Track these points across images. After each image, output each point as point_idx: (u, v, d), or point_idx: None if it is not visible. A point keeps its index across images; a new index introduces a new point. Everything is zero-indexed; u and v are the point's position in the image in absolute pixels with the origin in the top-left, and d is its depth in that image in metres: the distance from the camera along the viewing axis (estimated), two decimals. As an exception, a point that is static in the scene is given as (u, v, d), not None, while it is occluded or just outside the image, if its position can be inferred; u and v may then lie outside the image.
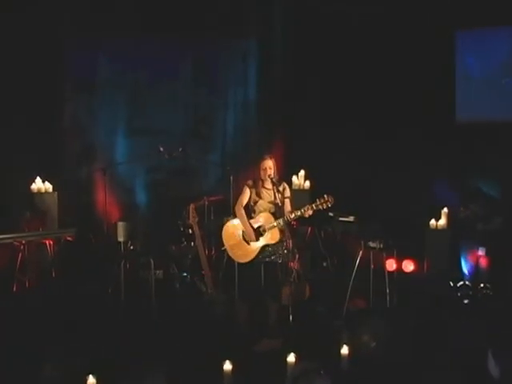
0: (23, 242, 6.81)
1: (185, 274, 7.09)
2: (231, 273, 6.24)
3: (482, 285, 6.90)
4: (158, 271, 7.04)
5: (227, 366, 4.27)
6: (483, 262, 7.03)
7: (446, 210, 7.34)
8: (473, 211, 7.32)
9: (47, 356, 4.88)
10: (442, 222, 7.33)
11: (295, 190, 7.81)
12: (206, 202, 7.19)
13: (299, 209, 5.50)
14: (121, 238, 7.04)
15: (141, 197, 8.70)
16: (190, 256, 7.06)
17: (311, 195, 7.56)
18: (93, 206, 8.32)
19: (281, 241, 5.54)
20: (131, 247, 7.16)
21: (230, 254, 5.78)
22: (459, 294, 6.91)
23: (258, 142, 8.96)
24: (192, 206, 6.50)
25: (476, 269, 7.06)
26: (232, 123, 9.24)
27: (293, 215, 5.50)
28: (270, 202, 5.60)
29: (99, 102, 8.68)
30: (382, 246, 6.44)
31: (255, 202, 5.66)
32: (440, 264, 7.21)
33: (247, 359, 4.99)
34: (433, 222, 7.34)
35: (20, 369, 4.76)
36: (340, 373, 4.50)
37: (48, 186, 7.61)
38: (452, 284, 7.01)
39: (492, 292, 6.86)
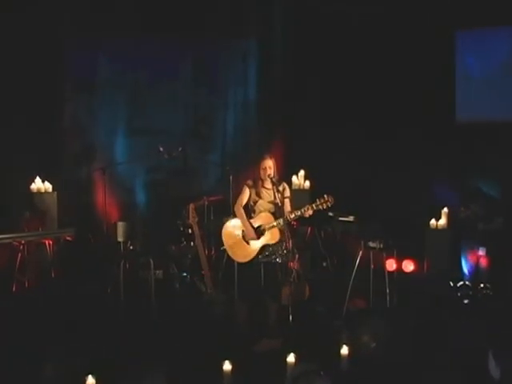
0: (23, 241, 6.81)
1: (184, 274, 7.08)
2: (231, 273, 6.23)
3: (482, 285, 6.90)
4: (157, 271, 7.03)
5: (227, 366, 4.27)
6: (483, 262, 7.02)
7: (446, 209, 7.34)
8: (473, 211, 7.31)
9: (47, 356, 4.88)
10: (442, 221, 7.33)
11: (295, 190, 7.81)
12: (206, 202, 7.18)
13: (299, 209, 5.49)
14: (120, 238, 7.04)
15: (140, 197, 8.69)
16: (189, 256, 7.05)
17: (311, 195, 7.56)
18: (92, 205, 8.31)
19: (280, 241, 5.53)
20: (131, 247, 7.16)
21: (230, 253, 5.77)
22: (459, 294, 6.90)
23: (258, 142, 8.95)
24: (192, 206, 6.50)
25: (476, 269, 7.05)
26: (232, 123, 9.23)
27: (293, 215, 5.49)
28: (269, 202, 5.60)
29: (99, 101, 8.67)
30: (381, 245, 6.43)
31: (255, 202, 5.66)
32: (440, 264, 7.20)
33: (247, 359, 4.99)
34: (433, 221, 7.34)
35: (20, 369, 4.75)
36: (340, 373, 4.50)
37: (48, 186, 7.60)
38: (452, 284, 7.00)
39: (492, 292, 6.85)
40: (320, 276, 7.51)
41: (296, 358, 4.36)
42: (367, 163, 8.41)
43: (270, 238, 5.56)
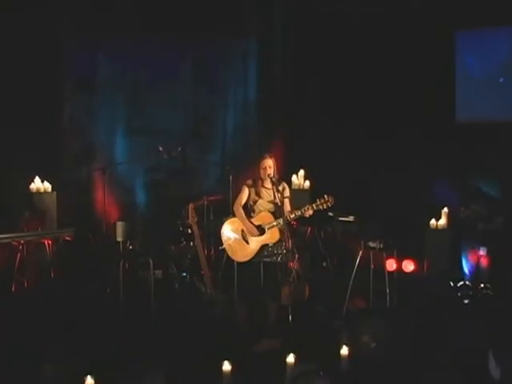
0: (22, 241, 6.79)
1: (184, 274, 7.08)
2: (230, 273, 6.23)
3: (482, 285, 6.89)
4: (157, 271, 7.03)
5: (226, 366, 4.26)
6: (484, 262, 7.02)
7: (446, 209, 7.33)
8: (474, 211, 7.30)
9: (46, 356, 4.87)
10: (442, 221, 7.32)
11: (295, 190, 7.80)
12: (206, 202, 7.17)
13: (299, 209, 5.49)
14: (120, 238, 7.03)
15: (140, 197, 8.68)
16: (189, 256, 7.04)
17: (311, 195, 7.55)
18: (92, 205, 8.31)
19: (280, 241, 5.53)
20: (130, 247, 7.15)
21: (229, 253, 5.76)
22: (459, 294, 6.89)
23: (258, 141, 8.94)
24: (191, 206, 6.49)
25: (477, 268, 7.04)
26: (232, 123, 9.23)
27: (293, 215, 5.49)
28: (269, 202, 5.59)
29: (99, 101, 8.67)
30: (381, 246, 6.43)
31: (255, 202, 5.65)
32: (440, 264, 7.19)
33: (246, 359, 4.98)
34: (433, 221, 7.33)
35: (19, 369, 4.75)
36: (340, 373, 4.50)
37: (47, 186, 7.60)
38: (452, 284, 7.00)
39: (492, 292, 6.84)
40: (320, 276, 7.50)
41: (296, 358, 4.35)
42: (367, 163, 8.41)
43: (269, 237, 5.55)
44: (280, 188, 5.54)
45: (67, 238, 7.15)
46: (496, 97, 8.29)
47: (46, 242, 7.02)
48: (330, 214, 7.40)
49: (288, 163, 7.58)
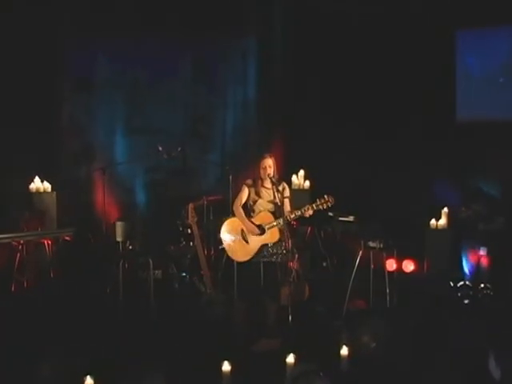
0: (21, 241, 6.79)
1: (184, 274, 7.07)
2: (230, 273, 6.23)
3: (482, 285, 6.88)
4: (156, 271, 7.02)
5: (226, 366, 4.26)
6: (484, 262, 7.01)
7: (446, 209, 7.33)
8: (474, 211, 7.30)
9: (46, 356, 4.86)
10: (443, 221, 7.31)
11: (295, 190, 7.80)
12: (205, 202, 7.16)
13: (299, 209, 5.48)
14: (119, 238, 7.03)
15: (140, 196, 8.67)
16: (188, 256, 7.03)
17: (311, 195, 7.54)
18: (91, 205, 8.30)
19: (280, 240, 5.52)
20: (130, 247, 7.15)
21: (229, 253, 5.75)
22: (459, 294, 6.89)
23: (258, 141, 8.94)
24: (191, 206, 6.48)
25: (477, 269, 7.04)
26: (231, 123, 9.22)
27: (293, 215, 5.49)
28: (269, 202, 5.58)
29: (98, 101, 8.65)
30: (381, 245, 6.43)
31: (254, 202, 5.64)
32: (440, 264, 7.19)
33: (246, 359, 4.97)
34: (433, 221, 7.33)
35: (19, 369, 4.74)
36: (340, 373, 4.49)
37: (47, 186, 7.59)
38: (452, 284, 6.99)
39: (492, 292, 6.84)
40: (320, 276, 7.49)
41: (296, 358, 4.34)
42: (367, 163, 8.41)
43: (269, 237, 5.54)
44: (280, 188, 5.54)
45: (67, 238, 7.14)
46: (496, 96, 8.29)
47: (45, 242, 7.01)
48: (330, 214, 7.39)
49: (288, 163, 7.57)
